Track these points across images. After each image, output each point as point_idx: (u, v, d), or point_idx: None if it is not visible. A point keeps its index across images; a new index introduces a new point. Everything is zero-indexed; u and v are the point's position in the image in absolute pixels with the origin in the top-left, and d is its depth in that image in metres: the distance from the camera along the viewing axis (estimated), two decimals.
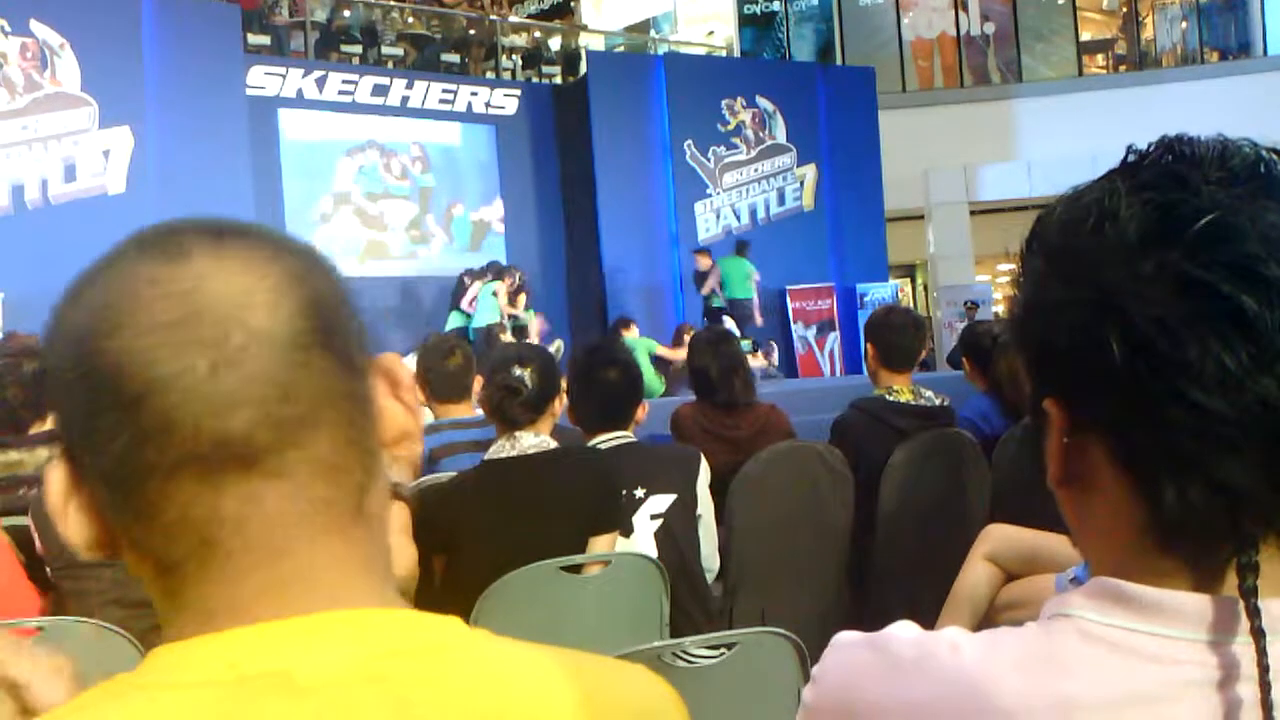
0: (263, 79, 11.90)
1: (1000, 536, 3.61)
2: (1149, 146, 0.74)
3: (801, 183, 14.68)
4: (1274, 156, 0.71)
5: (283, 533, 0.63)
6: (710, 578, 3.26)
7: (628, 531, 2.88)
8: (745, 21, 18.10)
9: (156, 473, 0.60)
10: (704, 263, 12.74)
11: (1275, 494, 0.66)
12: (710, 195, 14.01)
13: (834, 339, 14.33)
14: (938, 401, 4.06)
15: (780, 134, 14.53)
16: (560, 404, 2.84)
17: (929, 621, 3.50)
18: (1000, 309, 20.09)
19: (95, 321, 0.62)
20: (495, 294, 11.60)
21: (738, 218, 14.21)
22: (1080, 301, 0.69)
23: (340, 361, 0.65)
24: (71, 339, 0.63)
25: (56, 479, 0.65)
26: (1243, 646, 0.66)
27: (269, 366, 0.61)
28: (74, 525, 0.65)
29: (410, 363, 4.44)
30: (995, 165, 16.95)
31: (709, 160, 13.98)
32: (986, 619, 3.33)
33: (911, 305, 19.39)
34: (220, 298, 0.62)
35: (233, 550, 0.62)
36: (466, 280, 12.05)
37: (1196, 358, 0.65)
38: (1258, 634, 0.64)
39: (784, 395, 8.85)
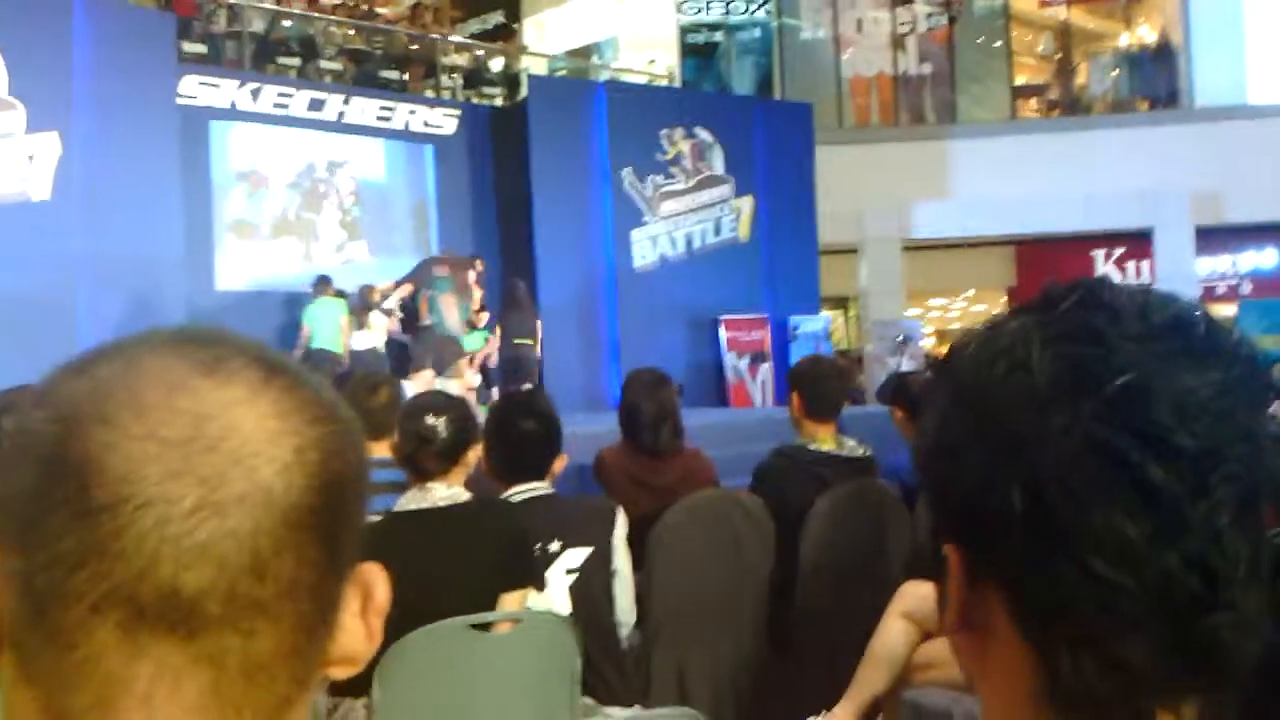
0: (196, 89, 11.68)
1: (917, 595, 3.62)
2: (1068, 290, 0.69)
3: (738, 214, 14.76)
4: (1197, 314, 0.67)
5: None
6: (625, 631, 3.22)
7: (541, 586, 2.83)
8: (688, 51, 18.20)
9: (81, 601, 0.52)
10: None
11: (1176, 675, 0.63)
12: (647, 223, 14.03)
13: (766, 369, 14.38)
14: (860, 451, 4.07)
15: (718, 165, 14.61)
16: (475, 455, 2.79)
17: (847, 675, 3.48)
18: (931, 343, 20.36)
19: (90, 400, 0.54)
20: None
21: (674, 246, 14.25)
22: (985, 448, 0.66)
23: (326, 556, 0.57)
24: (54, 410, 0.54)
25: None
26: None
27: (254, 532, 0.53)
28: None
29: None
30: (929, 203, 17.17)
31: (647, 188, 14.00)
32: (903, 678, 3.34)
33: (844, 337, 19.56)
34: (238, 435, 0.54)
35: None
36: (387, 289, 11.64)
37: (1099, 525, 0.62)
38: None
39: (716, 427, 8.86)
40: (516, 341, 11.30)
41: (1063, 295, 0.69)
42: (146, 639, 0.53)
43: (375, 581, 0.62)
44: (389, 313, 11.18)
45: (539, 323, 11.68)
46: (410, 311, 11.39)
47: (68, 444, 0.53)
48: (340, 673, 0.61)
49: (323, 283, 11.15)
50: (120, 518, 0.52)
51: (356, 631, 0.61)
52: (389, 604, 0.62)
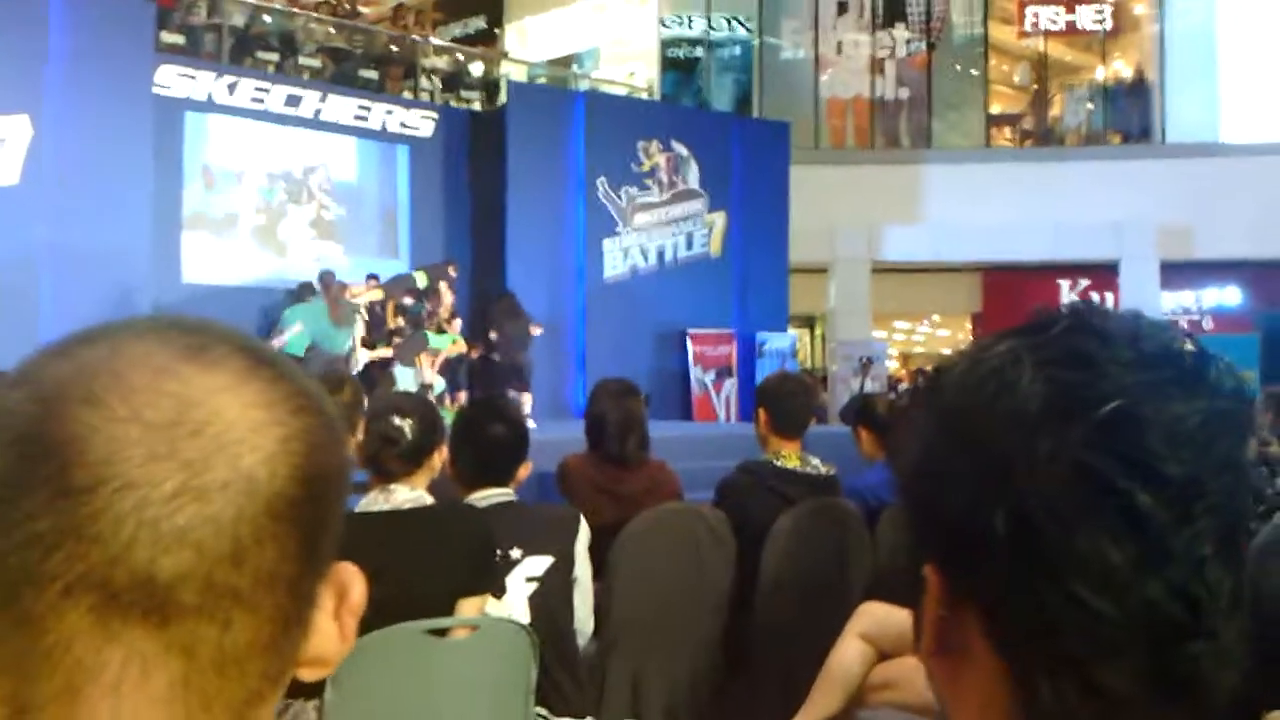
0: (172, 79, 11.58)
1: (875, 615, 3.63)
2: (1060, 313, 0.69)
3: (710, 229, 14.80)
4: (1184, 343, 0.67)
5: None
6: (583, 641, 3.21)
7: (501, 593, 2.82)
8: (668, 65, 18.27)
9: (54, 583, 0.50)
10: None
11: (1156, 702, 0.63)
12: (620, 233, 14.05)
13: (731, 385, 14.41)
14: (824, 470, 4.08)
15: (693, 179, 14.65)
16: (440, 458, 2.77)
17: (802, 693, 3.47)
18: (894, 365, 20.48)
19: (74, 382, 0.52)
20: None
21: (645, 258, 14.27)
22: (971, 470, 0.66)
23: (305, 550, 0.56)
24: (35, 390, 0.53)
25: None
26: None
27: (236, 519, 0.52)
28: None
29: None
30: (900, 226, 17.29)
31: (621, 199, 14.02)
32: (858, 698, 3.34)
33: (808, 356, 19.64)
34: (223, 421, 0.53)
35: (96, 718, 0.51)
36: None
37: (1084, 550, 0.61)
38: None
39: (680, 440, 8.86)
40: (516, 350, 11.41)
41: (1054, 319, 0.69)
42: (118, 625, 0.51)
43: (351, 581, 0.61)
44: (355, 310, 11.10)
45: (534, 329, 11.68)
46: (376, 318, 11.36)
47: (48, 424, 0.52)
48: (310, 674, 0.60)
49: (340, 287, 11.02)
50: (99, 499, 0.51)
51: (329, 632, 0.60)
52: (363, 605, 0.61)
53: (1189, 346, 0.67)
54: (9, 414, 0.53)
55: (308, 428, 0.56)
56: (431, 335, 11.16)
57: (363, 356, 10.89)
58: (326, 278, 10.94)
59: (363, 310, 11.14)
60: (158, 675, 0.52)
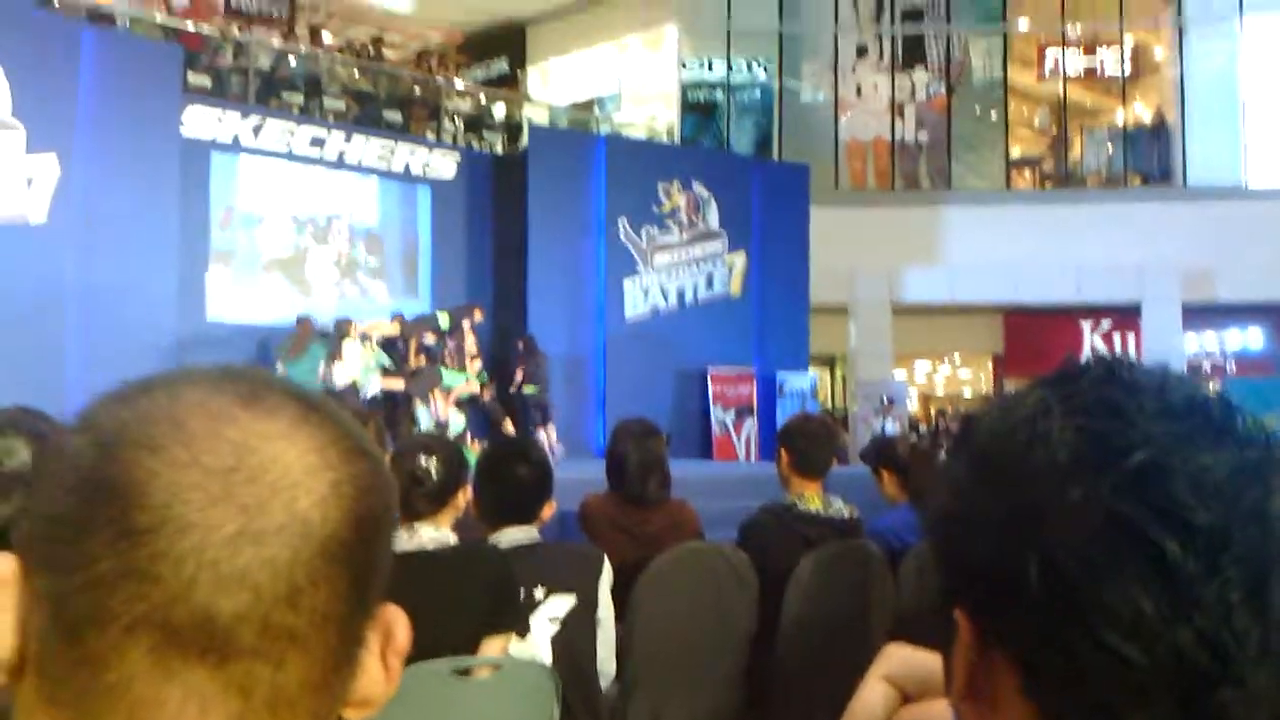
0: (199, 120, 11.74)
1: (899, 657, 3.61)
2: (1088, 363, 0.71)
3: (730, 269, 14.85)
4: (1212, 394, 0.68)
5: None
6: (605, 683, 3.20)
7: (524, 633, 2.82)
8: (688, 109, 18.39)
9: (116, 623, 0.52)
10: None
11: None
12: (640, 274, 14.11)
13: (751, 424, 14.40)
14: (847, 513, 4.07)
15: (713, 220, 14.72)
16: (465, 498, 2.78)
17: None
18: (915, 405, 20.40)
19: (135, 428, 0.55)
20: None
21: (665, 298, 14.32)
22: (1003, 517, 0.67)
23: (356, 591, 0.57)
24: (99, 436, 0.55)
25: None
26: None
27: (292, 561, 0.54)
28: None
29: None
30: (920, 268, 17.29)
31: (641, 239, 14.09)
32: None
33: (829, 396, 19.60)
34: (279, 467, 0.55)
35: None
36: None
37: (1114, 599, 0.62)
38: None
39: (701, 481, 8.85)
40: (535, 388, 11.76)
41: (1084, 370, 0.70)
42: (178, 664, 0.53)
43: (396, 623, 0.62)
44: (366, 340, 11.19)
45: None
46: (392, 351, 11.46)
47: (111, 468, 0.54)
48: (355, 715, 0.61)
49: (346, 324, 11.18)
50: (160, 541, 0.52)
51: (376, 672, 0.61)
52: (408, 647, 0.63)
53: (1216, 397, 0.68)
54: (72, 458, 0.55)
55: (358, 472, 0.58)
56: (446, 373, 11.21)
57: (375, 383, 10.96)
58: (343, 325, 11.11)
59: (372, 343, 11.22)
60: (215, 713, 0.54)
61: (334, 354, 10.92)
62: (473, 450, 8.93)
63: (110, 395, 0.58)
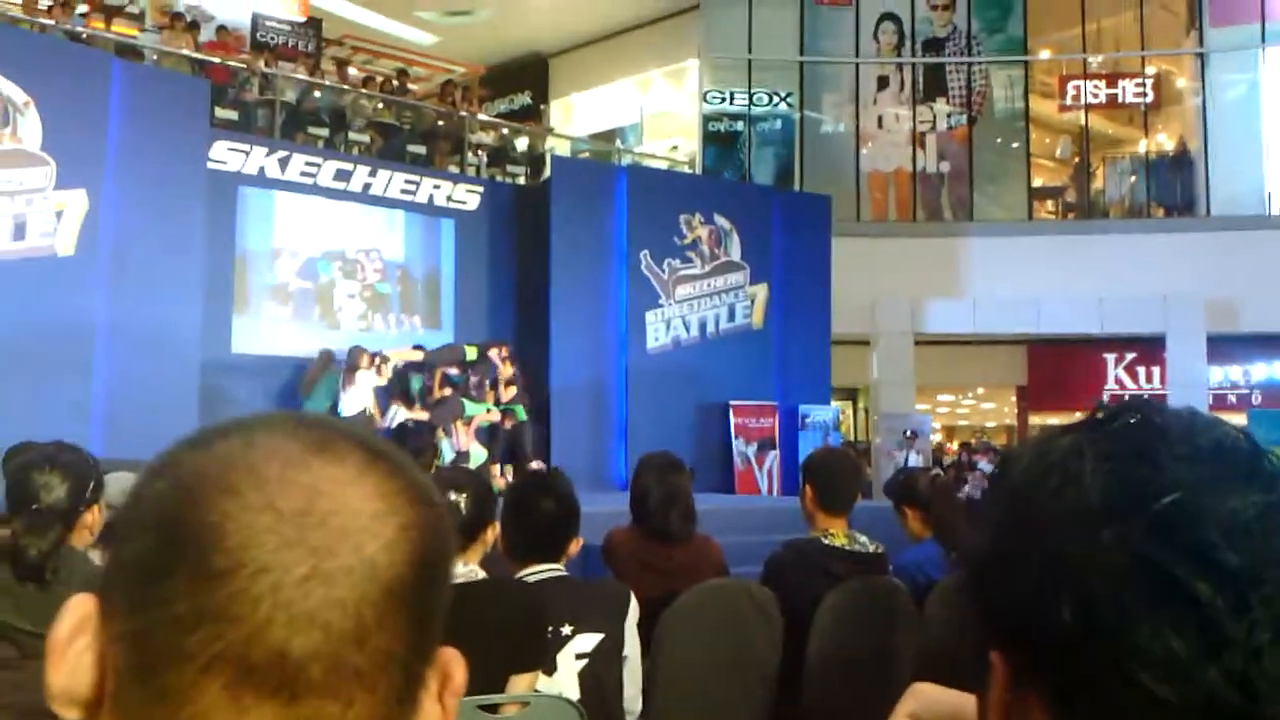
0: (226, 154, 11.86)
1: (926, 695, 3.59)
2: (1119, 407, 0.73)
3: (752, 301, 14.85)
4: (1239, 437, 0.70)
5: None
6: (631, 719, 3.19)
7: (550, 670, 2.82)
8: (709, 140, 18.45)
9: (194, 660, 0.54)
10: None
11: None
12: (662, 305, 14.13)
13: (773, 457, 14.35)
14: (872, 548, 4.05)
15: (735, 252, 14.73)
16: (493, 533, 2.79)
17: None
18: (938, 438, 20.30)
19: (212, 472, 0.57)
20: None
21: (687, 329, 14.33)
22: (1037, 559, 0.68)
23: (418, 632, 0.60)
24: (175, 479, 0.58)
25: (78, 612, 0.58)
26: None
27: (360, 601, 0.56)
28: (68, 668, 0.57)
29: None
30: (942, 300, 17.24)
31: (663, 271, 14.12)
32: None
33: (851, 429, 19.54)
34: (347, 512, 0.58)
35: None
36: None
37: (1145, 639, 0.63)
38: None
39: (724, 514, 8.83)
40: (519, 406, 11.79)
41: (1114, 414, 0.72)
42: (251, 701, 0.55)
43: (453, 664, 0.64)
44: (379, 367, 11.26)
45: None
46: (403, 381, 11.53)
47: (189, 511, 0.56)
48: None
49: (358, 352, 11.25)
50: (237, 582, 0.55)
51: (433, 713, 0.63)
52: (465, 688, 0.65)
53: (1242, 440, 0.70)
54: (151, 500, 0.58)
55: (422, 517, 0.61)
56: (467, 403, 11.25)
57: (399, 414, 11.01)
58: (354, 354, 11.18)
59: (387, 369, 11.28)
60: None
61: (345, 383, 11.00)
62: (499, 482, 8.96)
63: (187, 440, 0.61)
